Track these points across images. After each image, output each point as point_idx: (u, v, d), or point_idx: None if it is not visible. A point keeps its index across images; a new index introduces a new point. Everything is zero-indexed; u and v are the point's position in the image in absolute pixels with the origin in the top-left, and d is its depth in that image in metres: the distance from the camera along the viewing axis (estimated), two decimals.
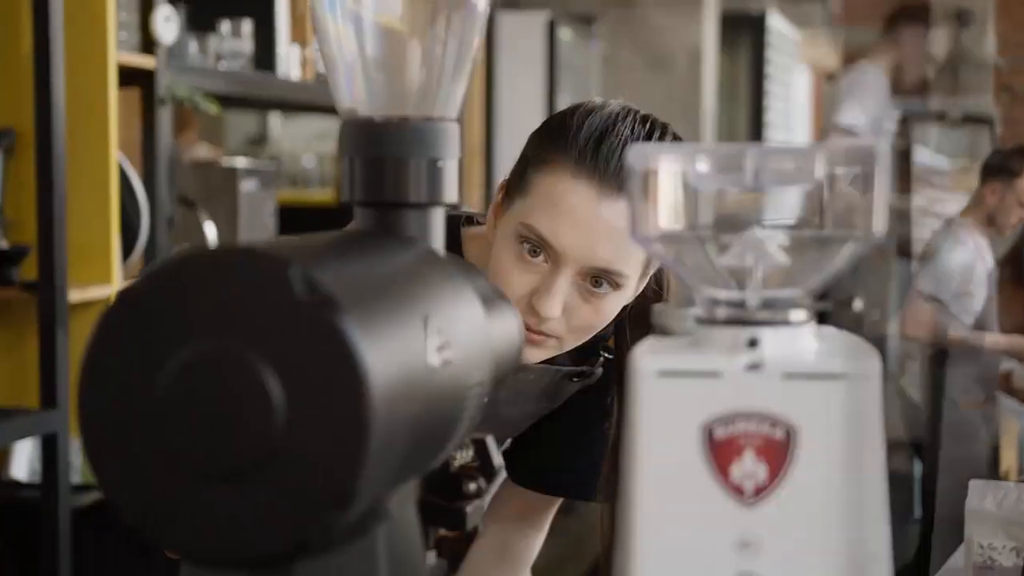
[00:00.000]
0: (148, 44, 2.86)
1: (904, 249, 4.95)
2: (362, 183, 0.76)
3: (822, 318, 0.71)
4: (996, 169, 4.67)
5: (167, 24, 2.83)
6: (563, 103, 4.82)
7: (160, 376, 0.60)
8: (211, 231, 3.12)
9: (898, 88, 4.78)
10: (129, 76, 2.83)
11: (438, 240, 0.78)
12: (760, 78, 7.08)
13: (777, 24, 7.19)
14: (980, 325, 4.50)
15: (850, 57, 8.26)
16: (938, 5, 5.42)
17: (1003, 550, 1.84)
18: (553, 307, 1.26)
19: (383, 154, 0.76)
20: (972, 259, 4.68)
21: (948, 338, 4.50)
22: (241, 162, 3.43)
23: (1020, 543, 1.79)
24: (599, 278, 1.27)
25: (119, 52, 2.72)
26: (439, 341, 0.68)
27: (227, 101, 3.46)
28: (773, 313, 0.68)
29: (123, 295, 0.61)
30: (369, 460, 0.59)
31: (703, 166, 0.70)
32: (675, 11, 5.61)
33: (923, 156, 4.59)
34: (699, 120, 5.67)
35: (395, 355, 0.62)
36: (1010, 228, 4.70)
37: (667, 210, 0.70)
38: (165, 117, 2.91)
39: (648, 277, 1.35)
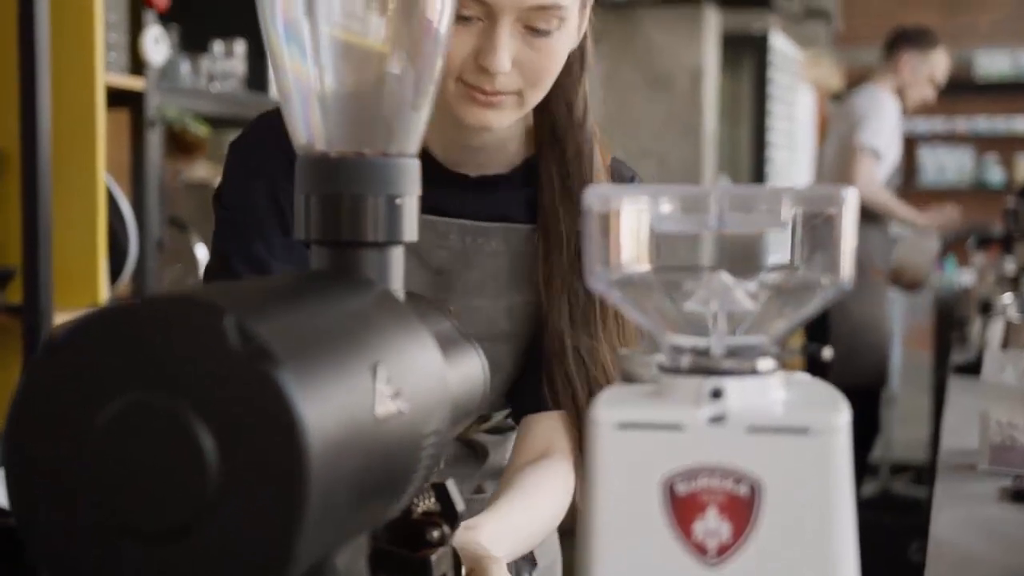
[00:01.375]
0: (138, 65, 2.83)
1: (898, 278, 4.93)
2: (317, 221, 0.73)
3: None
4: (911, 41, 4.67)
5: (157, 45, 2.81)
6: None
7: (89, 430, 0.57)
8: (202, 253, 3.09)
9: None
10: (119, 97, 2.81)
11: (397, 280, 0.75)
12: (763, 98, 7.06)
13: (780, 44, 7.17)
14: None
15: (853, 77, 8.25)
16: None
17: None
18: (501, 60, 1.22)
19: (339, 191, 0.73)
20: (897, 118, 4.67)
21: (880, 197, 4.53)
22: None
23: None
24: (538, 25, 1.24)
25: (108, 73, 2.70)
26: (390, 390, 0.65)
27: (220, 122, 3.43)
28: (739, 362, 0.65)
29: (52, 344, 0.58)
30: (308, 519, 0.56)
31: (666, 207, 0.67)
32: (676, 31, 5.58)
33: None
34: (700, 140, 5.64)
35: (337, 407, 0.59)
36: (913, 104, 4.69)
37: (628, 253, 0.67)
38: (155, 139, 2.88)
39: (588, 8, 1.33)
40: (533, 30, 1.24)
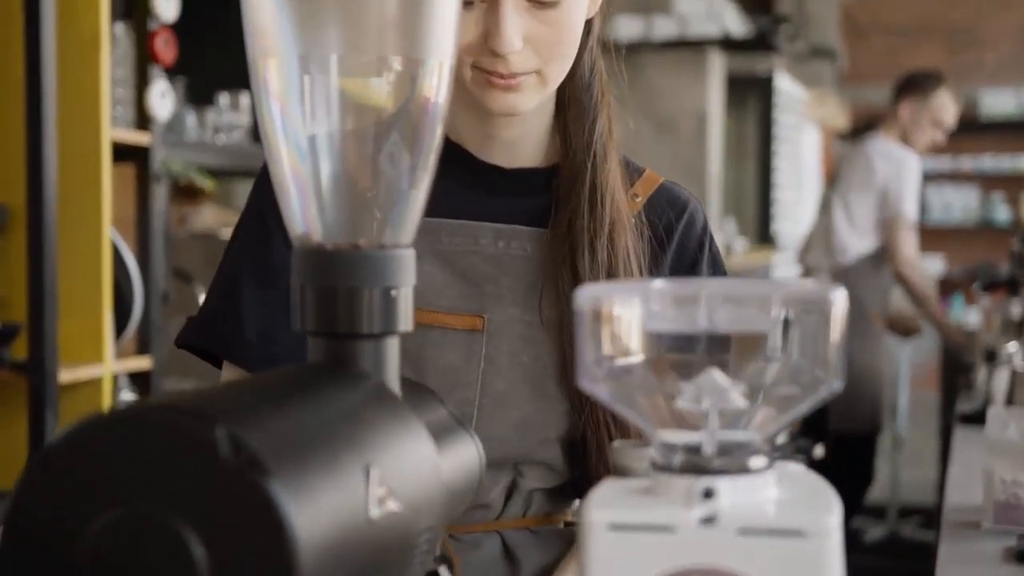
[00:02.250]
0: (144, 120, 2.85)
1: (893, 325, 4.90)
2: (313, 312, 0.74)
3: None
4: (911, 87, 4.68)
5: (163, 100, 2.82)
6: None
7: (81, 541, 0.57)
8: None
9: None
10: (125, 152, 2.82)
11: (392, 371, 0.75)
12: (768, 138, 7.07)
13: (785, 84, 7.19)
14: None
15: (859, 115, 8.26)
16: None
17: None
18: (509, 40, 1.18)
19: (335, 283, 0.73)
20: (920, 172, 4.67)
21: (923, 285, 4.53)
22: None
23: None
24: None
25: (114, 128, 2.71)
26: (383, 490, 0.65)
27: (225, 174, 3.45)
28: (730, 460, 0.65)
29: (43, 456, 0.59)
30: None
31: (656, 306, 0.67)
32: (681, 75, 5.61)
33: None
34: (705, 182, 5.65)
35: (330, 514, 0.59)
36: (923, 149, 4.67)
37: (619, 350, 0.68)
38: (160, 193, 2.89)
39: None
40: (539, 3, 1.20)
